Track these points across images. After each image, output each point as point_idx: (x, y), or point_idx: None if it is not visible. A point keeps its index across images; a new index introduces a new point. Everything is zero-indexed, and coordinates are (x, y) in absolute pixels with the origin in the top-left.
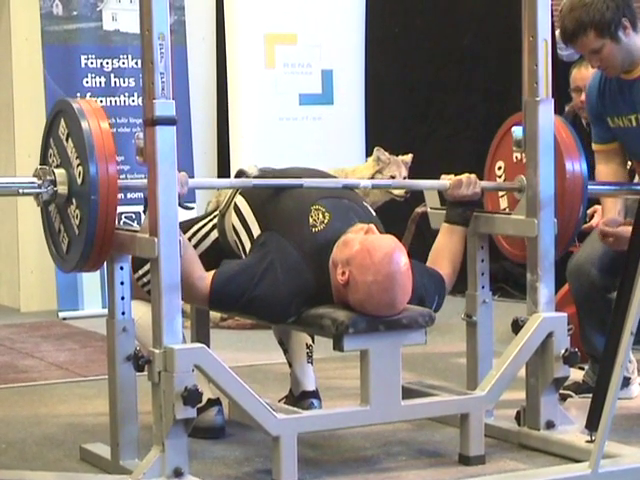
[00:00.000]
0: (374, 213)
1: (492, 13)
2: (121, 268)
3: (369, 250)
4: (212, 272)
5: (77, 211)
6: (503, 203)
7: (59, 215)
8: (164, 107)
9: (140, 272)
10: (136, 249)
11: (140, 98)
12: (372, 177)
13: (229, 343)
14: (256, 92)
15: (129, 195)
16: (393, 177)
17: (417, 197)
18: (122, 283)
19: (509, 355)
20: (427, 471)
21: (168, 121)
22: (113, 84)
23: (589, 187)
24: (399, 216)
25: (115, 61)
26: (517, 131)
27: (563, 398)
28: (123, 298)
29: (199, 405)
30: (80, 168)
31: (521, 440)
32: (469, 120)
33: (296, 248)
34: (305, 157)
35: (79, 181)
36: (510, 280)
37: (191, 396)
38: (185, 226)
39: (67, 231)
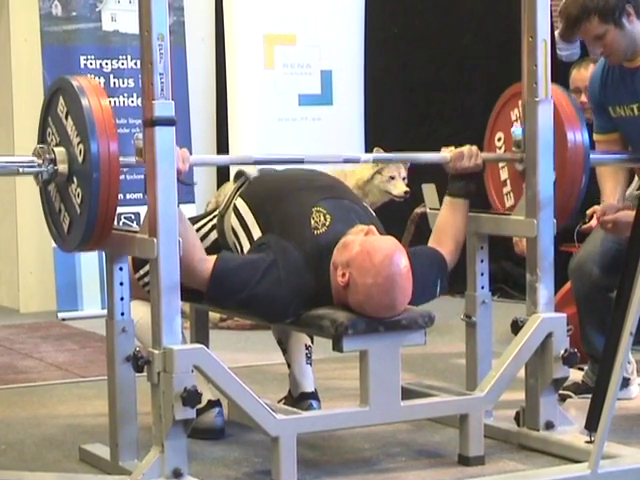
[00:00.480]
0: (374, 214)
1: (492, 13)
2: (120, 269)
3: (369, 252)
4: (214, 256)
5: (78, 190)
6: (504, 174)
7: (59, 195)
8: (163, 108)
9: (141, 272)
10: (135, 250)
11: (139, 99)
12: (371, 177)
13: (228, 344)
14: (255, 92)
15: (128, 196)
16: (392, 177)
17: (416, 198)
18: (121, 284)
19: (508, 356)
20: (427, 472)
21: (167, 122)
22: (112, 85)
23: (591, 157)
24: (398, 217)
25: (114, 62)
26: (517, 131)
27: (562, 399)
28: (122, 299)
29: (199, 406)
30: (81, 146)
31: (520, 441)
32: (469, 120)
33: (297, 249)
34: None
35: (80, 159)
36: (509, 281)
37: (190, 397)
38: None
39: (68, 211)
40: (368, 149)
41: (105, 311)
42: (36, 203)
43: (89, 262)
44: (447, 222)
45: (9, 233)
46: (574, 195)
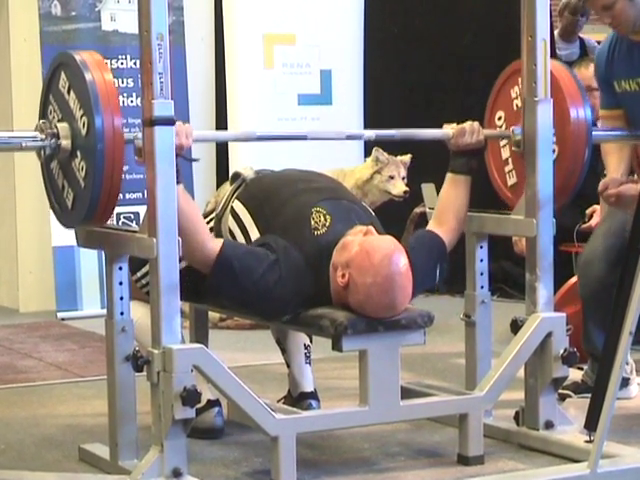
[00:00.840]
0: (373, 214)
1: (491, 13)
2: (120, 268)
3: (368, 252)
4: (220, 239)
5: (82, 163)
6: (505, 153)
7: (62, 171)
8: (163, 107)
9: (139, 274)
10: (135, 249)
11: (139, 98)
12: (371, 177)
13: (228, 343)
14: (255, 92)
15: (127, 195)
16: (392, 177)
17: (416, 197)
18: (121, 283)
19: (508, 355)
20: (426, 471)
21: (167, 121)
22: None
23: (593, 133)
24: (398, 216)
25: (114, 61)
26: (516, 130)
27: (562, 398)
28: (122, 298)
29: (199, 406)
30: (84, 119)
31: (520, 440)
32: (468, 120)
33: (297, 250)
34: (304, 157)
35: (83, 132)
36: (509, 280)
37: (190, 396)
38: None
39: (72, 186)
40: (367, 148)
41: (104, 311)
42: (36, 203)
43: (89, 262)
44: (449, 200)
45: (9, 233)
46: (575, 173)
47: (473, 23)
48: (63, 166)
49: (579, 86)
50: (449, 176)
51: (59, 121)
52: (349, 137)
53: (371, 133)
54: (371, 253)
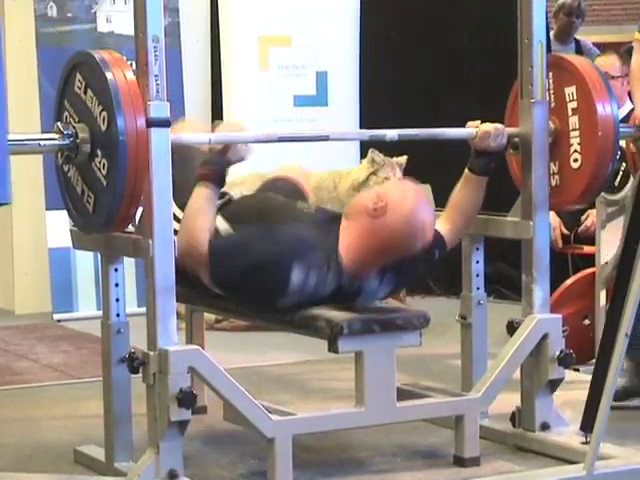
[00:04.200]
0: None
1: (488, 15)
2: (115, 270)
3: (402, 185)
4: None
5: (103, 161)
6: None
7: (81, 176)
8: (159, 109)
9: None
10: (130, 250)
11: None
12: (366, 179)
13: (224, 345)
14: (251, 94)
15: None
16: (388, 179)
17: None
18: (117, 285)
19: (504, 357)
20: (422, 472)
21: (163, 123)
22: None
23: (621, 130)
24: None
25: None
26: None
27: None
28: (118, 300)
29: None
30: (104, 114)
31: (516, 442)
32: (464, 121)
33: (289, 223)
34: (299, 159)
35: (103, 128)
36: (505, 281)
37: (186, 398)
38: None
39: (92, 188)
40: (363, 150)
41: (100, 312)
42: (31, 204)
43: (84, 263)
44: (462, 198)
45: (3, 234)
46: (603, 169)
47: (469, 25)
48: (82, 169)
49: (605, 81)
50: (466, 174)
51: (77, 122)
52: (372, 137)
53: (394, 133)
54: (405, 185)
